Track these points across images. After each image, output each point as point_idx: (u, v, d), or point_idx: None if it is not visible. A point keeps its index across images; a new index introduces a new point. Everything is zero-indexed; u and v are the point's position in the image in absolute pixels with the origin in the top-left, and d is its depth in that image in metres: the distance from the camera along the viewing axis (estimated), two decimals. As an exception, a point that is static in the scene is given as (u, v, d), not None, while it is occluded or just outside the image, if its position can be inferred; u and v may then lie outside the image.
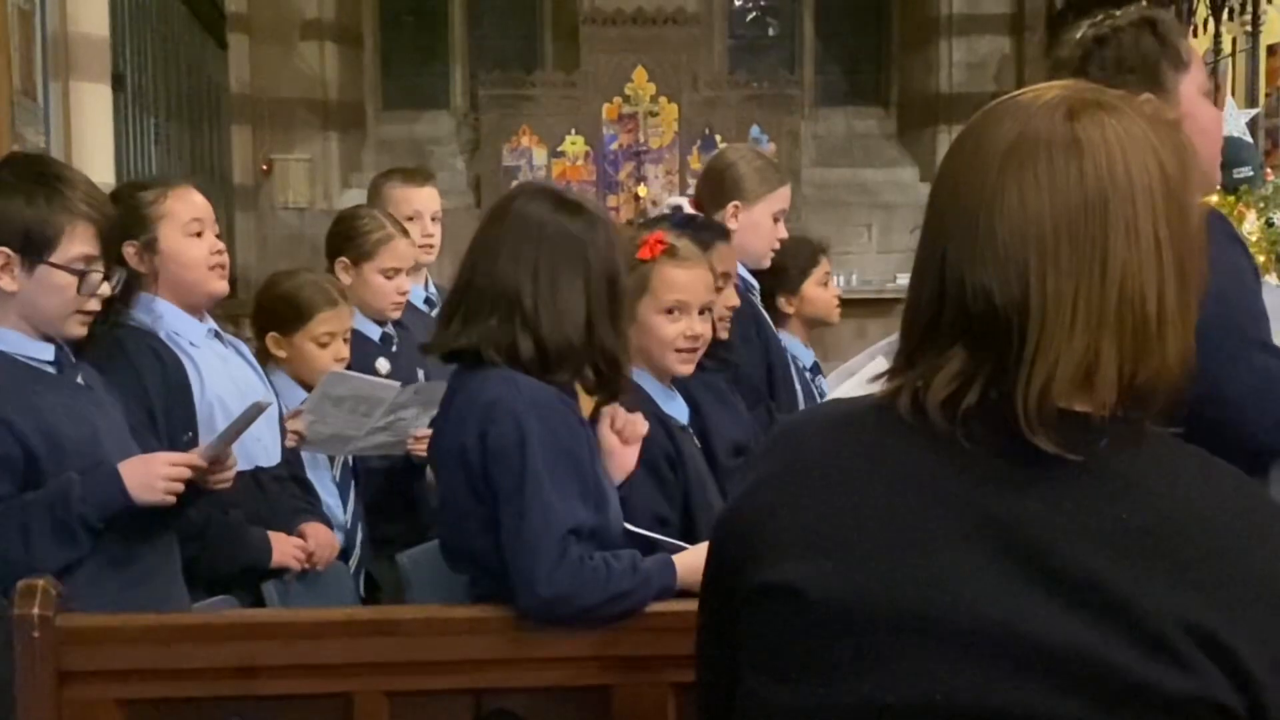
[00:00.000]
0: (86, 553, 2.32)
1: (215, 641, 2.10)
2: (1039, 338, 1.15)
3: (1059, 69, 2.32)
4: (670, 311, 2.63)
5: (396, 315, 3.73)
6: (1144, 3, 8.96)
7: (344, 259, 3.63)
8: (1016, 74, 11.23)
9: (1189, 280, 1.19)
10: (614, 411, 2.40)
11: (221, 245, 2.99)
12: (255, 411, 2.51)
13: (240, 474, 2.84)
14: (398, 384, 3.28)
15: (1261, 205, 5.56)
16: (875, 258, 11.17)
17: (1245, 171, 5.42)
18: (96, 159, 5.65)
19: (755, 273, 3.60)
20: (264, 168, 11.23)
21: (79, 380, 2.51)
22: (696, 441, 2.74)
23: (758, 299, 3.56)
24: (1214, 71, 8.45)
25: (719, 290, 3.01)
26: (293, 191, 11.21)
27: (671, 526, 2.51)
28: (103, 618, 2.14)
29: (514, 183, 11.11)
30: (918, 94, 11.90)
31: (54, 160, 2.77)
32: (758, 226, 3.48)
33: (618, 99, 11.06)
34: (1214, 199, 2.79)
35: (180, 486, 2.39)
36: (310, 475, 3.28)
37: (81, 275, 2.42)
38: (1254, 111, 6.90)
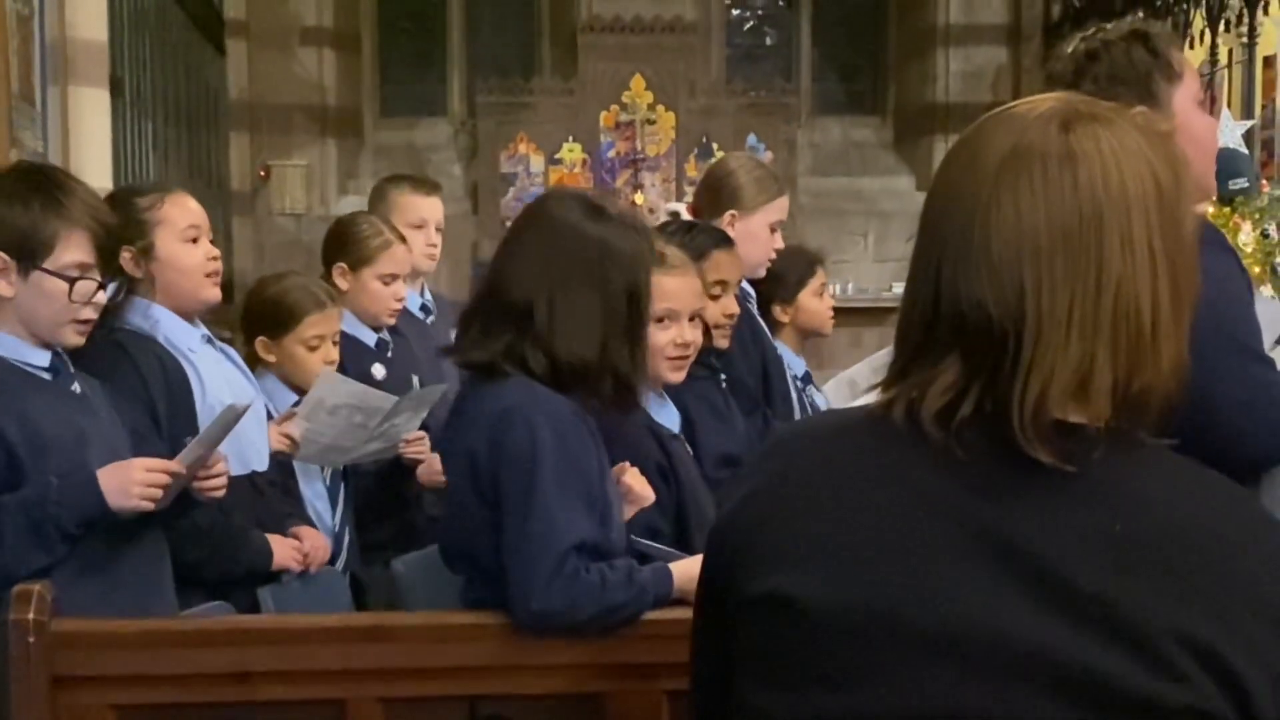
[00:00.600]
0: (60, 558, 2.32)
1: (210, 647, 2.10)
2: (1034, 348, 1.16)
3: (1052, 82, 2.33)
4: (660, 320, 2.63)
5: (392, 321, 3.73)
6: (1139, 14, 9.01)
7: (342, 264, 3.64)
8: (1013, 84, 11.25)
9: (1182, 291, 1.20)
10: (626, 469, 2.40)
11: (216, 252, 3.00)
12: (232, 415, 2.49)
13: (237, 478, 2.85)
14: (394, 397, 3.27)
15: (1257, 216, 5.57)
16: (871, 266, 11.19)
17: (1241, 183, 5.43)
18: (94, 164, 5.65)
19: (751, 281, 3.61)
20: (262, 173, 11.23)
21: (74, 388, 2.51)
22: (688, 449, 2.74)
23: (754, 307, 3.57)
24: (1210, 83, 8.47)
25: (716, 298, 3.01)
26: (290, 198, 11.21)
27: (664, 535, 2.51)
28: (98, 623, 2.14)
29: (510, 190, 11.16)
30: (914, 103, 11.91)
31: (57, 169, 2.77)
32: (755, 236, 3.48)
33: (615, 107, 11.07)
34: (1209, 209, 2.79)
35: (158, 493, 2.37)
36: (301, 479, 3.28)
37: (73, 282, 2.43)
38: (1250, 123, 6.92)
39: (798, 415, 3.42)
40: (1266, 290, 5.45)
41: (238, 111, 10.94)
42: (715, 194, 3.54)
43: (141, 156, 7.95)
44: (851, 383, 3.47)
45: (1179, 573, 1.13)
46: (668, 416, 2.74)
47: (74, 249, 2.44)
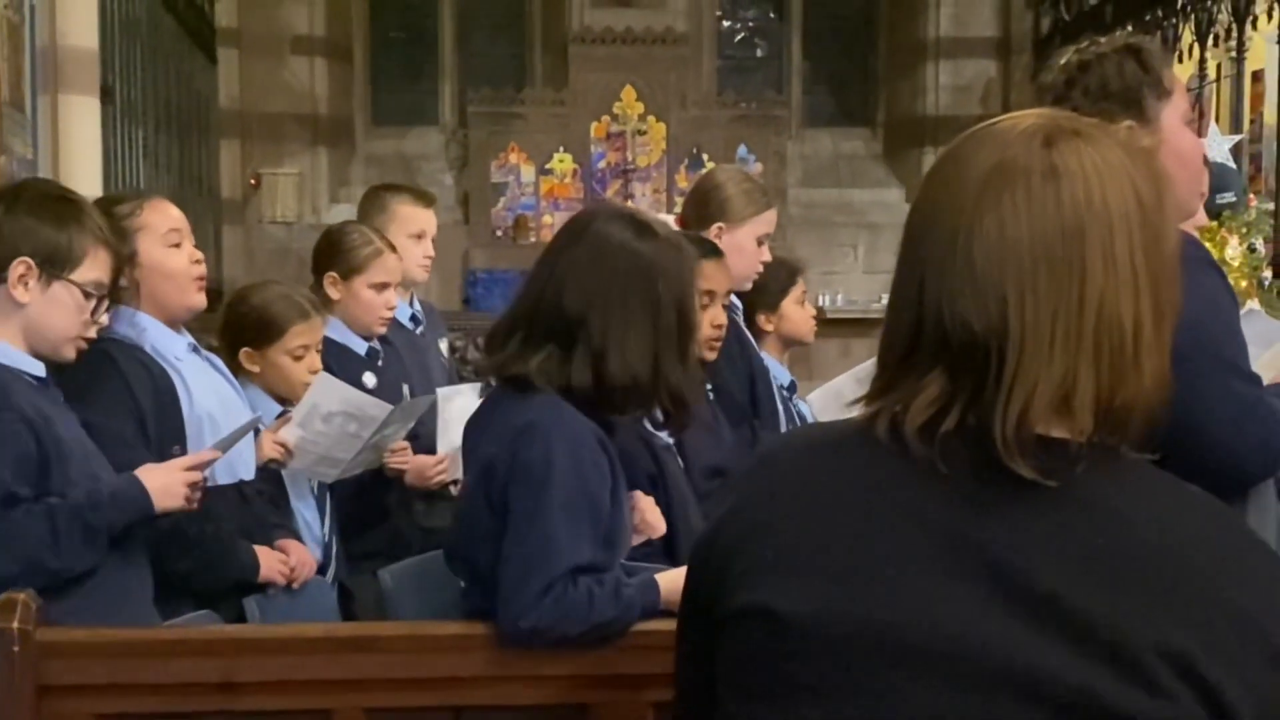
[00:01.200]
0: (103, 559, 2.39)
1: (195, 656, 2.09)
2: (1017, 363, 1.16)
3: (1043, 94, 2.34)
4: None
5: (383, 330, 3.73)
6: (1130, 28, 9.05)
7: (333, 274, 3.63)
8: (1003, 97, 11.31)
9: (1164, 306, 1.20)
10: (639, 500, 2.41)
11: (200, 256, 2.99)
12: (252, 424, 2.59)
13: (225, 487, 2.85)
14: (389, 405, 3.27)
15: (1244, 231, 5.59)
16: (861, 277, 11.22)
17: (1228, 197, 5.45)
18: (84, 172, 5.65)
19: (738, 293, 3.61)
20: (252, 182, 11.24)
21: (60, 399, 2.54)
22: (680, 461, 2.74)
23: (741, 319, 3.57)
24: (1199, 98, 8.51)
25: (704, 308, 3.01)
26: (281, 206, 11.23)
27: (652, 546, 2.51)
28: (83, 632, 2.13)
29: (501, 199, 11.18)
30: (904, 115, 11.96)
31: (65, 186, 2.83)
32: (742, 249, 3.48)
33: (606, 117, 11.10)
34: (1197, 224, 2.79)
35: (199, 493, 2.50)
36: (290, 489, 3.27)
37: (99, 299, 2.50)
38: (1238, 138, 6.95)
39: (784, 426, 3.42)
40: (1254, 303, 5.47)
41: (229, 120, 10.95)
42: (703, 206, 3.54)
43: (132, 164, 7.94)
44: (838, 394, 3.47)
45: (1161, 588, 1.14)
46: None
47: (99, 267, 2.51)
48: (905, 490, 1.20)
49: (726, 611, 1.25)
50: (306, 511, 3.33)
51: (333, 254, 3.66)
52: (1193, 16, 8.49)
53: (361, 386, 3.50)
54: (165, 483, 2.45)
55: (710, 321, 3.05)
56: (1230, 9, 8.04)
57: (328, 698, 2.09)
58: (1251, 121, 8.33)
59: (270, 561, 2.93)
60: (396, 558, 3.13)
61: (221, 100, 10.84)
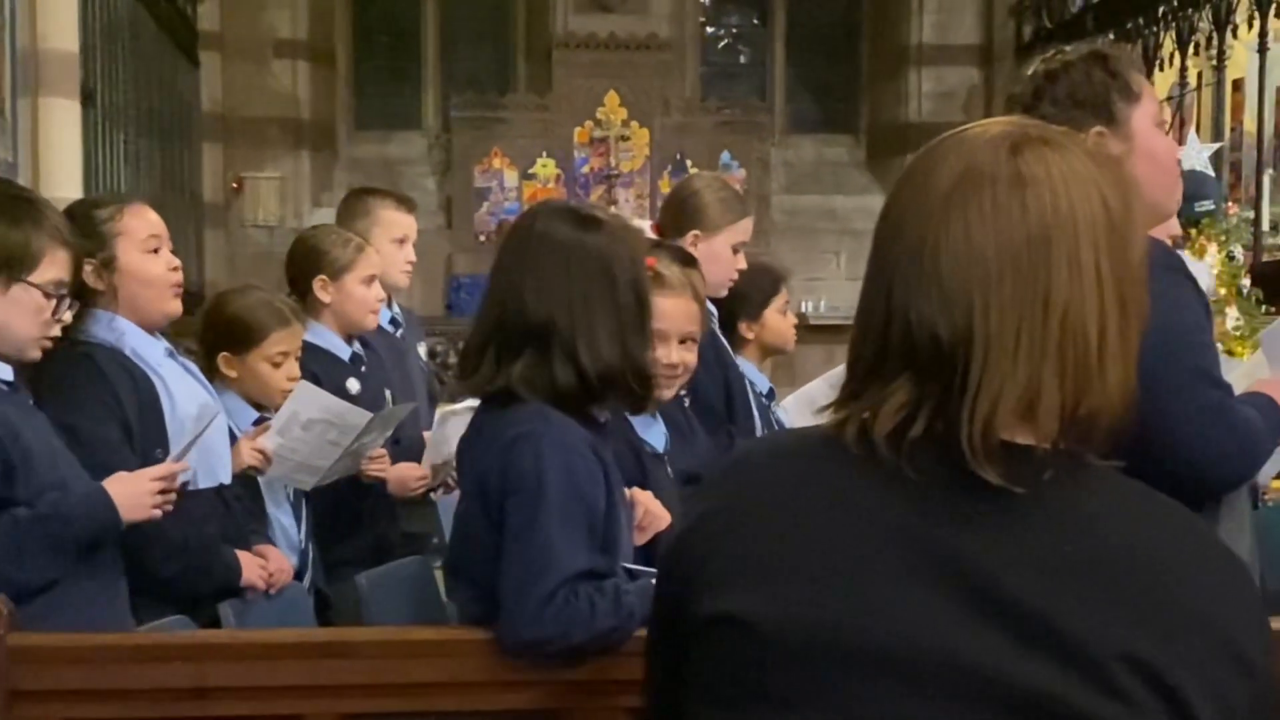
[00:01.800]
0: (67, 573, 2.36)
1: (168, 661, 2.08)
2: (982, 370, 1.16)
3: (1012, 104, 2.34)
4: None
5: (375, 324, 3.73)
6: (1110, 36, 9.07)
7: (322, 277, 3.62)
8: (985, 104, 11.35)
9: (1130, 314, 1.21)
10: (639, 496, 2.40)
11: (177, 262, 2.98)
12: (206, 426, 2.57)
13: (206, 491, 2.85)
14: (368, 414, 3.26)
15: (1223, 239, 5.62)
16: (844, 284, 11.23)
17: (1207, 205, 5.48)
18: (65, 175, 5.64)
19: (714, 299, 3.61)
20: (235, 185, 11.22)
21: (29, 402, 2.53)
22: (669, 469, 2.73)
23: (716, 326, 3.57)
24: (1180, 106, 8.55)
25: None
26: (263, 210, 11.21)
27: (636, 553, 2.51)
28: (56, 637, 2.13)
29: (484, 204, 11.17)
30: (887, 123, 11.99)
31: (22, 185, 2.80)
32: (717, 257, 3.48)
33: (589, 123, 11.11)
34: (1169, 232, 2.80)
35: (169, 501, 2.47)
36: (266, 496, 3.27)
37: (59, 299, 2.46)
38: (1216, 145, 6.98)
39: (761, 433, 3.42)
40: (1233, 312, 5.50)
41: (211, 123, 10.93)
42: (679, 213, 3.54)
43: (113, 168, 7.92)
44: (811, 399, 3.47)
45: (1126, 595, 1.14)
46: (654, 435, 2.74)
47: (58, 266, 2.47)
48: (873, 497, 1.20)
49: (695, 619, 1.25)
50: (283, 518, 3.32)
51: (317, 259, 3.65)
52: (1174, 25, 8.54)
53: (346, 391, 3.50)
54: (132, 493, 2.43)
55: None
56: (1211, 18, 8.09)
57: (302, 703, 2.08)
58: (1232, 129, 8.38)
59: (251, 565, 2.93)
60: (375, 564, 3.13)
61: (204, 103, 10.82)
